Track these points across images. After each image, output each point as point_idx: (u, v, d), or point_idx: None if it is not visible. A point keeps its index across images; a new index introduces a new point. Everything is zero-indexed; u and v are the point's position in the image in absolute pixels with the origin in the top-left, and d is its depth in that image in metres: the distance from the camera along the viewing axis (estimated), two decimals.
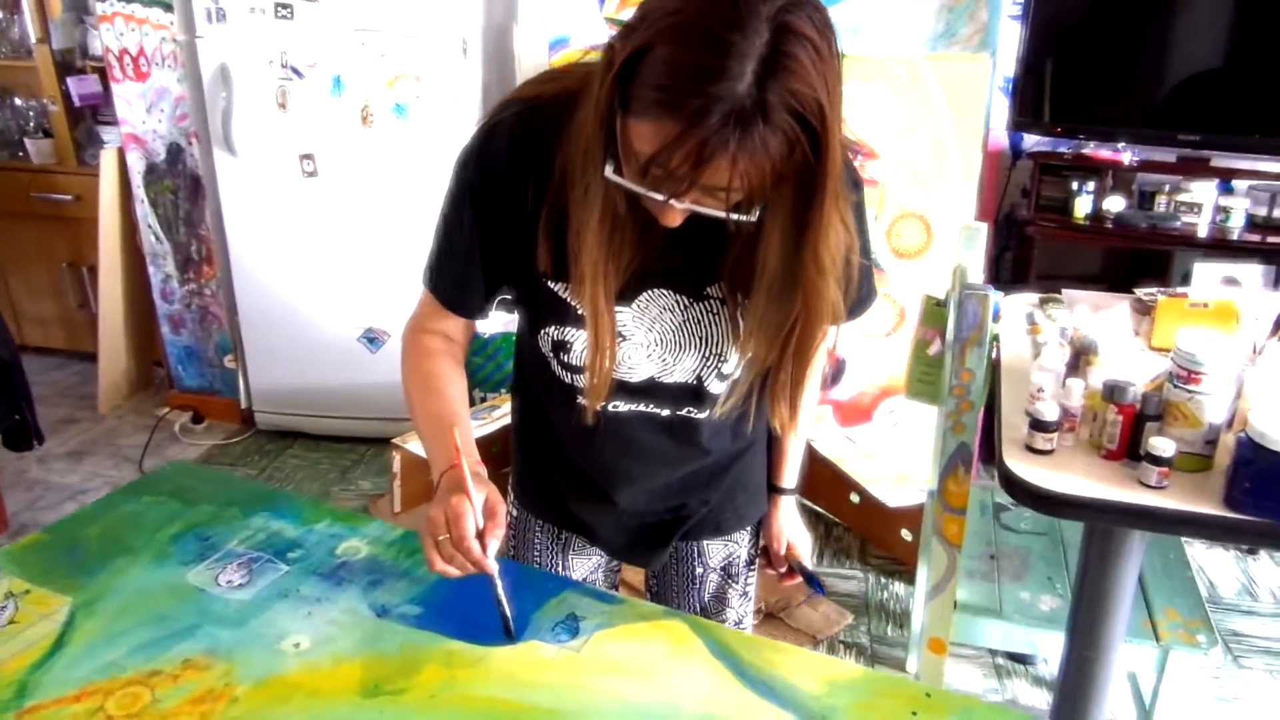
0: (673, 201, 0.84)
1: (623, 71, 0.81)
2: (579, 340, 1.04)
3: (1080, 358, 1.59)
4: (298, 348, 3.18)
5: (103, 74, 3.22)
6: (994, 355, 1.75)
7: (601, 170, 0.86)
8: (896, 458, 2.84)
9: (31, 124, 3.59)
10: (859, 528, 2.79)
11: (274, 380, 3.26)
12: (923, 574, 2.01)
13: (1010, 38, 2.92)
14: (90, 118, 3.51)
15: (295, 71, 2.85)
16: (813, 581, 1.33)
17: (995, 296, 1.57)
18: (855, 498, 2.74)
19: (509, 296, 1.12)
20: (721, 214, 0.85)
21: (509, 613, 1.01)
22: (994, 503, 2.17)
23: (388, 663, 0.98)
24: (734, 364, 1.07)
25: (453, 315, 1.11)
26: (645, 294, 1.02)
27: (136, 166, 3.18)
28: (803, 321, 0.96)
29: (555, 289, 1.02)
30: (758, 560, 1.37)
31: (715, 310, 1.03)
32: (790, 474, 1.33)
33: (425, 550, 0.96)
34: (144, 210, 3.24)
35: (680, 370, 1.07)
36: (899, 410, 2.90)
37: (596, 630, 1.03)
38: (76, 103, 3.40)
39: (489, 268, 1.06)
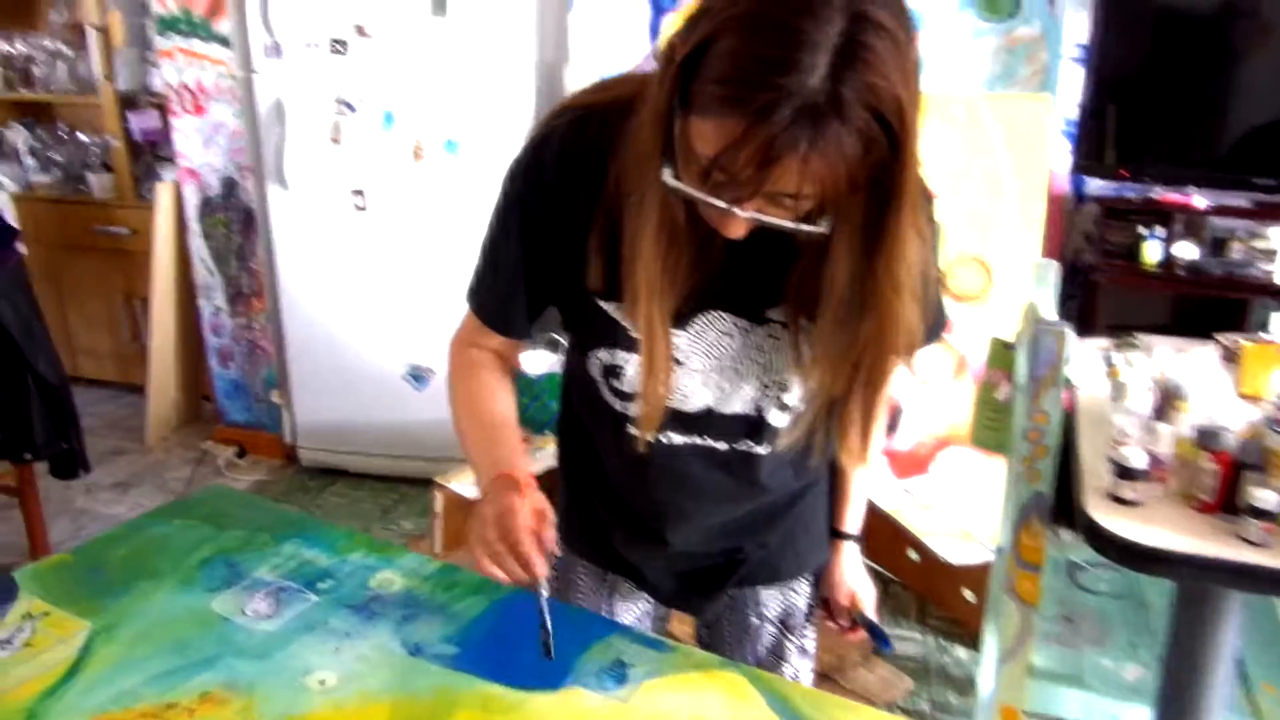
0: (736, 209, 0.77)
1: (684, 68, 0.74)
2: (631, 364, 0.97)
3: (1166, 403, 1.48)
4: (343, 384, 3.16)
5: (162, 110, 3.27)
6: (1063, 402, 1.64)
7: (659, 176, 0.79)
8: (957, 511, 2.71)
9: (94, 159, 3.66)
10: (918, 586, 2.66)
11: (319, 416, 3.23)
12: (991, 636, 1.88)
13: (1071, 80, 2.85)
14: (150, 153, 3.58)
15: (349, 106, 2.87)
16: (879, 636, 1.23)
17: (1071, 334, 1.48)
18: (914, 554, 2.61)
19: (553, 332, 1.06)
20: (789, 225, 0.78)
21: (549, 626, 0.94)
22: (1067, 561, 2.04)
23: (418, 705, 0.90)
24: (796, 394, 0.99)
25: (497, 335, 1.05)
26: (702, 317, 0.95)
27: (192, 200, 3.21)
28: (874, 346, 0.88)
29: (607, 309, 0.96)
30: (817, 612, 1.27)
31: (777, 335, 0.95)
32: (854, 517, 1.23)
33: (473, 550, 0.90)
34: (197, 243, 3.27)
35: (739, 400, 0.99)
36: (958, 461, 2.78)
37: (646, 679, 0.95)
38: (137, 138, 3.46)
39: (535, 286, 1.00)
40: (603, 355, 1.00)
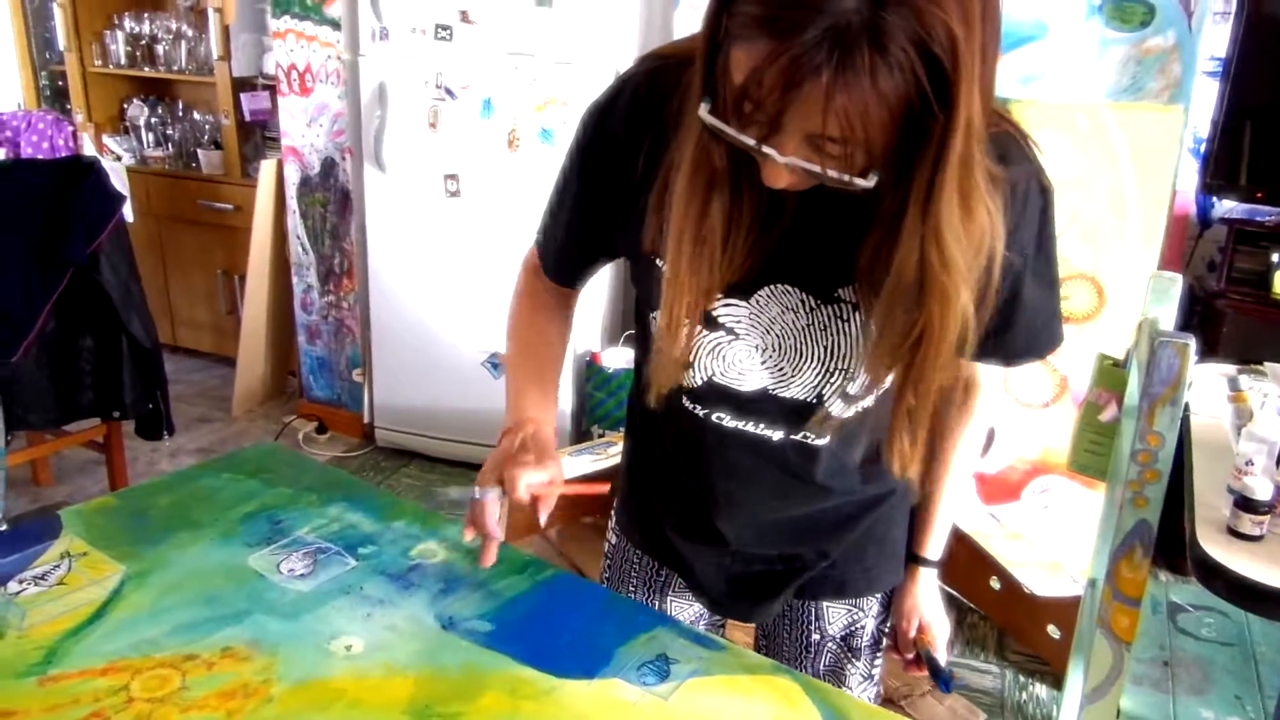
0: (770, 151, 0.68)
1: None
2: (683, 323, 0.90)
3: None
4: (423, 367, 3.17)
5: (273, 92, 3.35)
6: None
7: (696, 110, 0.72)
8: (1047, 542, 2.54)
9: (206, 137, 3.78)
10: (998, 617, 2.50)
11: (397, 398, 3.25)
12: (1077, 673, 1.74)
13: (1205, 95, 2.65)
14: (259, 133, 3.68)
15: (448, 92, 2.88)
16: (941, 677, 1.10)
17: (1195, 348, 1.34)
18: (996, 583, 2.46)
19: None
20: (822, 172, 0.68)
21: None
22: (1169, 601, 1.87)
23: (445, 681, 0.84)
24: (862, 384, 0.89)
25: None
26: (766, 289, 0.86)
27: (292, 178, 3.28)
28: (925, 333, 0.77)
29: (661, 266, 0.89)
30: (885, 641, 1.16)
31: (845, 316, 0.86)
32: (936, 543, 1.12)
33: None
34: (294, 221, 3.33)
35: (798, 384, 0.91)
36: (1052, 490, 2.60)
37: (690, 677, 0.87)
38: (247, 117, 3.56)
39: (591, 237, 0.96)
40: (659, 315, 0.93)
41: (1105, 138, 2.48)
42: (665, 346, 0.87)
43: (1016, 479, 2.65)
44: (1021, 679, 2.31)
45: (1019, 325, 0.91)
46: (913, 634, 1.12)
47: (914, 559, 1.12)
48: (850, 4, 0.62)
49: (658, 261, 0.88)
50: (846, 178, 0.69)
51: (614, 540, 1.18)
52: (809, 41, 0.62)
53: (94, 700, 0.79)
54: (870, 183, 0.69)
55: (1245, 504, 1.20)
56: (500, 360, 3.08)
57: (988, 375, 1.03)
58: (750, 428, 0.95)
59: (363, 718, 0.80)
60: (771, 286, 0.86)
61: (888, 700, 2.18)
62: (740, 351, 0.90)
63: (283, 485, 1.15)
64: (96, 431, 2.73)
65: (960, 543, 2.54)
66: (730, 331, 0.89)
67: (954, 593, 2.57)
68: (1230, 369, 1.73)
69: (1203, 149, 2.71)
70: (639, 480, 1.12)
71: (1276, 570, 1.13)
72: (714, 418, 0.95)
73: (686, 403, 0.96)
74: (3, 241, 2.38)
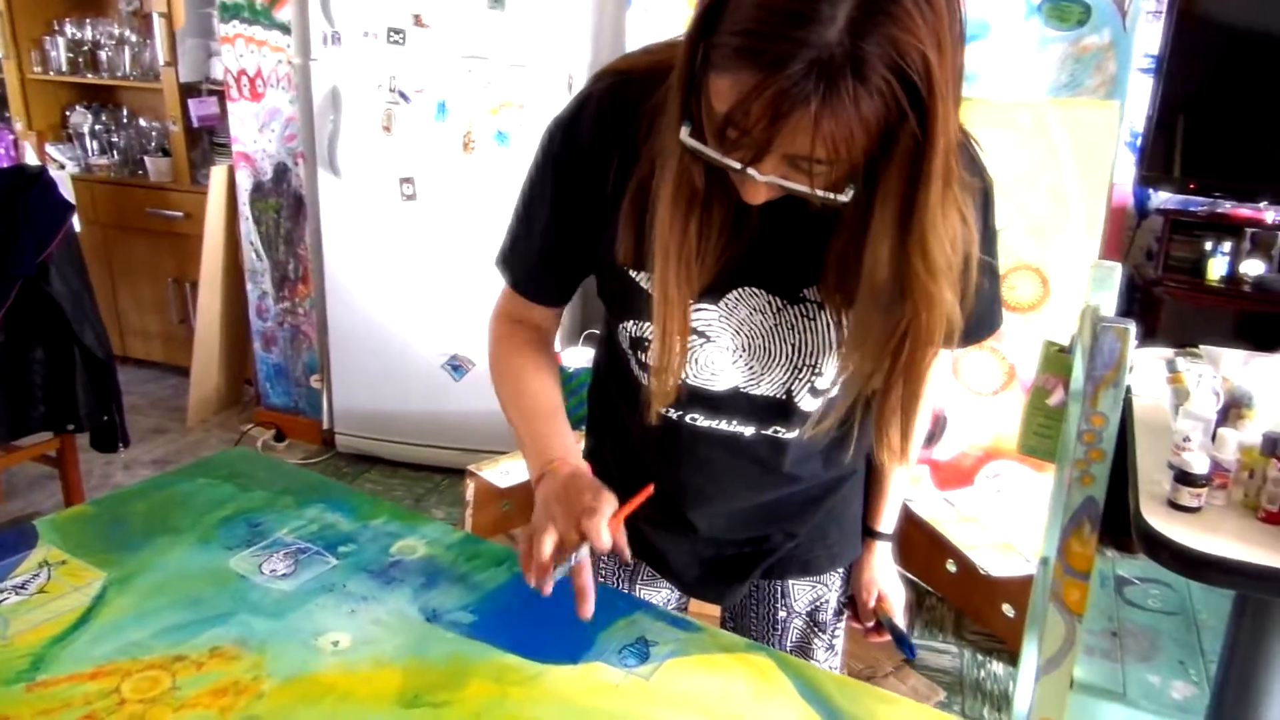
0: (753, 172, 0.72)
1: (705, 23, 0.71)
2: (676, 337, 0.93)
3: (1231, 410, 1.41)
4: (383, 371, 3.16)
5: (221, 97, 3.32)
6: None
7: (678, 134, 0.75)
8: (1000, 525, 2.62)
9: (153, 144, 3.72)
10: (955, 599, 2.57)
11: (357, 403, 3.24)
12: (1032, 647, 1.80)
13: (1139, 91, 2.76)
14: (207, 139, 3.63)
15: (402, 96, 2.88)
16: (903, 642, 1.17)
17: (1135, 332, 1.40)
18: (952, 565, 2.53)
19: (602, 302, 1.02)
20: (807, 190, 0.73)
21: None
22: (1115, 576, 1.95)
23: (432, 671, 0.87)
24: (830, 379, 0.94)
25: (531, 304, 1.02)
26: (735, 292, 0.91)
27: (244, 184, 3.25)
28: (912, 334, 0.82)
29: (636, 279, 0.92)
30: (846, 611, 1.22)
31: (811, 315, 0.90)
32: (889, 517, 1.18)
33: (537, 523, 0.88)
34: (247, 227, 3.30)
35: (768, 382, 0.95)
36: (1004, 475, 2.69)
37: (669, 658, 0.91)
38: (195, 123, 3.51)
39: (566, 251, 0.97)
40: (630, 327, 0.97)
41: (1047, 134, 2.57)
42: (661, 360, 0.89)
43: (969, 465, 2.73)
44: (979, 657, 2.39)
45: (971, 311, 0.96)
46: (872, 603, 1.18)
47: (870, 533, 1.18)
48: (832, 36, 0.65)
49: (632, 274, 0.91)
50: (827, 194, 0.73)
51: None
52: (795, 74, 0.66)
53: (85, 704, 0.80)
54: (847, 197, 0.74)
55: (1184, 478, 1.26)
56: (462, 364, 3.08)
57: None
58: (723, 426, 0.98)
59: (354, 709, 0.82)
60: (740, 289, 0.90)
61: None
62: (712, 354, 0.93)
63: (258, 489, 1.16)
64: (50, 445, 2.68)
65: (918, 528, 2.61)
66: (702, 335, 0.92)
67: (913, 577, 2.64)
68: (1168, 352, 1.81)
69: (1139, 143, 2.81)
70: (604, 475, 1.15)
71: (1213, 538, 1.20)
72: (688, 419, 0.99)
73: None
74: None
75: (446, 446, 3.16)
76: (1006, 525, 2.60)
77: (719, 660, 0.90)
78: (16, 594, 0.94)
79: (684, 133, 0.75)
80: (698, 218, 0.83)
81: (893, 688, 2.22)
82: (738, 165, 0.72)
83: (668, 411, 0.99)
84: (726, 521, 1.08)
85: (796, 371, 0.94)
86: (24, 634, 0.88)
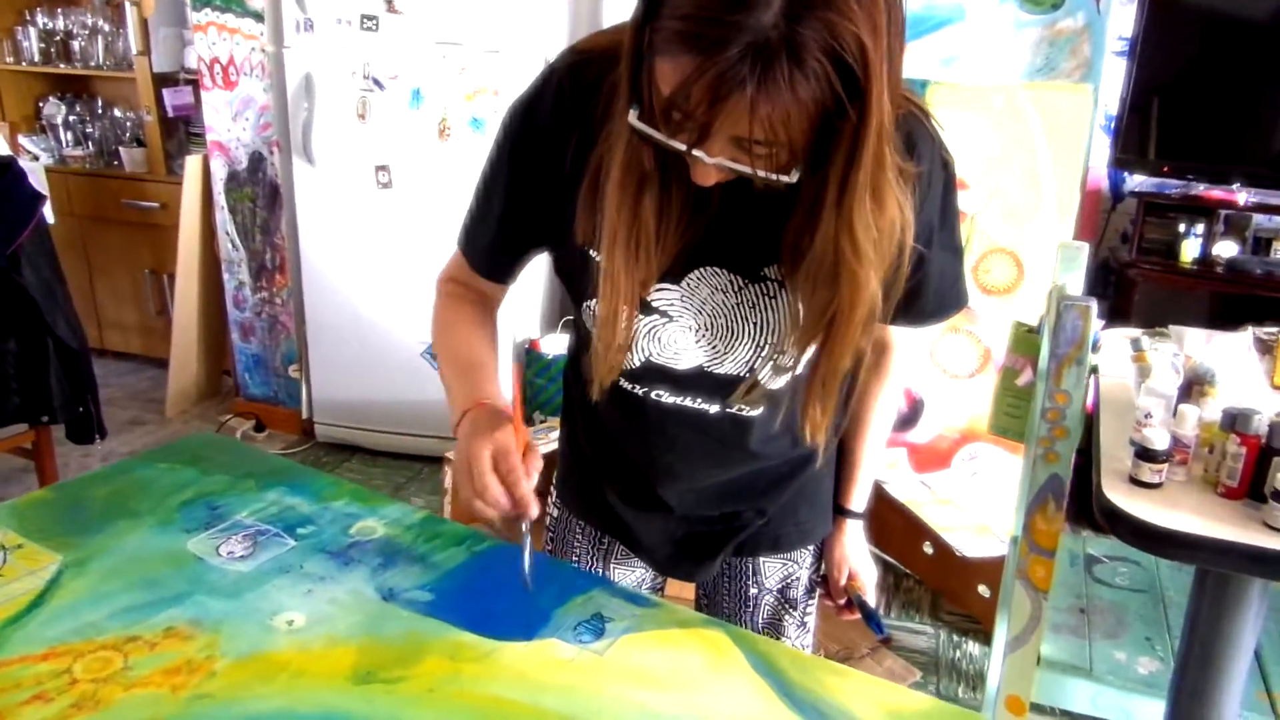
0: (700, 154, 0.74)
1: (650, 5, 0.72)
2: (622, 315, 0.94)
3: (1193, 388, 1.42)
4: (361, 361, 3.15)
5: (195, 85, 3.29)
6: (1088, 395, 1.57)
7: (625, 116, 0.77)
8: (976, 507, 2.64)
9: (128, 134, 3.69)
10: (932, 580, 2.59)
11: (336, 392, 3.23)
12: (1002, 624, 1.82)
13: (1114, 74, 2.77)
14: (183, 129, 3.60)
15: (376, 83, 2.86)
16: (873, 620, 1.18)
17: (1096, 311, 1.42)
18: (929, 547, 2.55)
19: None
20: (750, 172, 0.74)
21: (529, 562, 0.92)
22: (1085, 554, 1.96)
23: (387, 649, 0.87)
24: (791, 356, 0.94)
25: (483, 279, 1.03)
26: (696, 272, 0.91)
27: (219, 173, 3.23)
28: (837, 311, 0.84)
29: (596, 258, 0.92)
30: (818, 588, 1.23)
31: (772, 293, 0.91)
32: (860, 495, 1.19)
33: (462, 490, 0.88)
34: (223, 217, 3.28)
35: (732, 360, 0.95)
36: (980, 457, 2.70)
37: (624, 634, 0.91)
38: (170, 113, 3.49)
39: (521, 230, 0.98)
40: (594, 306, 0.96)
41: (1021, 117, 2.57)
42: (605, 337, 0.90)
43: (946, 448, 2.75)
44: (955, 638, 2.41)
45: (927, 292, 0.96)
46: (844, 581, 1.19)
47: (841, 511, 1.18)
48: (768, 19, 0.66)
49: (591, 253, 0.91)
50: (772, 175, 0.74)
51: (555, 514, 1.22)
52: (732, 57, 0.67)
53: (36, 684, 0.80)
54: (793, 178, 0.75)
55: (1145, 454, 1.27)
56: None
57: (902, 337, 1.09)
58: (688, 403, 0.99)
59: (307, 686, 0.82)
60: (701, 269, 0.91)
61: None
62: (674, 333, 0.94)
63: (220, 473, 1.16)
64: (25, 438, 2.67)
65: (894, 511, 2.62)
66: (664, 314, 0.93)
67: (889, 558, 2.66)
68: (1135, 332, 1.83)
69: (1113, 126, 2.82)
70: (579, 457, 1.16)
71: (1172, 513, 1.21)
72: (652, 395, 0.99)
73: (625, 383, 0.99)
74: None
75: (426, 435, 3.15)
76: (982, 507, 2.62)
77: (673, 635, 0.91)
78: None
79: (632, 115, 0.76)
80: (655, 199, 0.83)
81: (869, 668, 2.23)
82: (683, 147, 0.74)
83: (633, 388, 0.99)
84: (696, 498, 1.09)
85: (759, 350, 0.94)
86: None
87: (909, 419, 2.74)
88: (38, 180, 2.61)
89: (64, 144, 3.72)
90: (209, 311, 3.50)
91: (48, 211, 2.54)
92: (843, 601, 1.21)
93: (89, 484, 1.13)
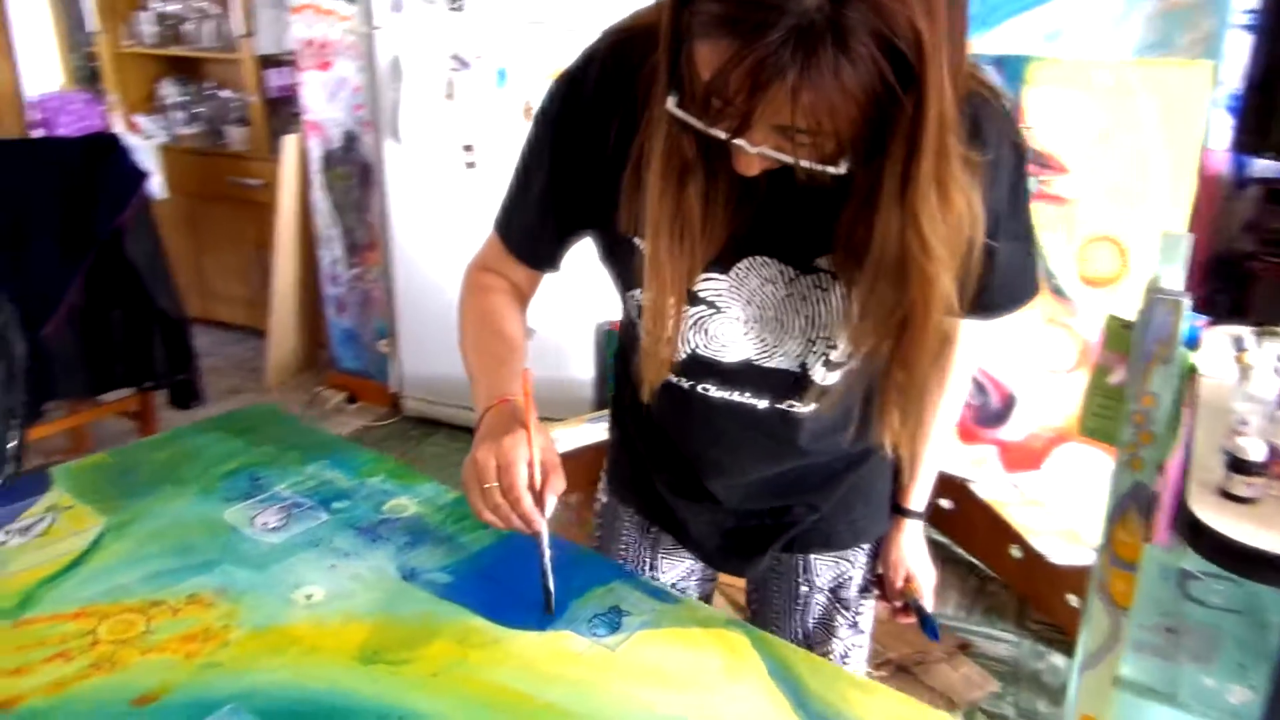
0: (741, 143, 0.69)
1: None
2: (669, 306, 0.90)
3: None
4: (448, 337, 3.15)
5: (295, 66, 3.39)
6: (1189, 393, 1.45)
7: (664, 103, 0.73)
8: (1068, 511, 2.50)
9: (233, 114, 3.84)
10: (1018, 585, 2.47)
11: (424, 367, 3.29)
12: (1082, 640, 1.72)
13: (1238, 50, 2.55)
14: (286, 109, 3.72)
15: (462, 63, 2.89)
16: (927, 625, 1.12)
17: (1188, 306, 1.30)
18: (1016, 551, 2.43)
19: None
20: (793, 161, 0.70)
21: (551, 586, 0.88)
22: (1180, 569, 1.82)
23: (398, 629, 0.86)
24: (844, 351, 0.89)
25: (521, 264, 1.00)
26: (745, 261, 0.87)
27: (315, 153, 3.32)
28: (910, 312, 0.79)
29: (641, 247, 0.89)
30: (873, 588, 1.17)
31: (825, 285, 0.86)
32: (919, 495, 1.13)
33: (469, 496, 0.84)
34: (318, 195, 3.38)
35: (782, 354, 0.91)
36: (1076, 459, 2.56)
37: (641, 629, 0.88)
38: (274, 93, 3.60)
39: (564, 215, 0.94)
40: (639, 295, 0.93)
41: (1130, 95, 2.41)
42: (652, 329, 0.87)
43: (1040, 447, 2.61)
44: (1039, 648, 2.29)
45: (995, 282, 0.90)
46: (900, 583, 1.14)
47: (899, 510, 1.13)
48: (812, 2, 0.62)
49: (635, 241, 0.88)
50: (817, 166, 0.70)
51: (604, 500, 1.20)
52: (774, 42, 0.63)
53: (61, 642, 0.83)
54: (841, 169, 0.71)
55: (1237, 465, 1.16)
56: (526, 331, 3.09)
57: (967, 329, 1.03)
58: (736, 397, 0.95)
59: (314, 662, 0.82)
60: (750, 259, 0.87)
61: (901, 668, 2.17)
62: (722, 324, 0.90)
63: (268, 444, 1.18)
64: (130, 402, 2.81)
65: (981, 511, 2.51)
66: (711, 305, 0.89)
67: (973, 559, 2.55)
68: (1242, 330, 1.68)
69: (1236, 106, 2.61)
70: (629, 445, 1.13)
71: (1265, 533, 1.10)
72: (699, 389, 0.96)
73: (671, 377, 0.96)
74: (32, 218, 2.45)
75: None
76: (1073, 512, 2.48)
77: (691, 634, 0.87)
78: (20, 536, 0.97)
79: (671, 102, 0.72)
80: (699, 186, 0.80)
81: (943, 675, 2.15)
82: (724, 135, 0.70)
83: (679, 381, 0.96)
84: (745, 493, 1.05)
85: (810, 344, 0.90)
86: (19, 574, 0.92)
87: (999, 414, 2.62)
88: (150, 158, 2.74)
89: (175, 124, 3.89)
90: (305, 286, 3.62)
91: (157, 187, 2.66)
92: (899, 605, 1.15)
93: (144, 449, 1.17)
